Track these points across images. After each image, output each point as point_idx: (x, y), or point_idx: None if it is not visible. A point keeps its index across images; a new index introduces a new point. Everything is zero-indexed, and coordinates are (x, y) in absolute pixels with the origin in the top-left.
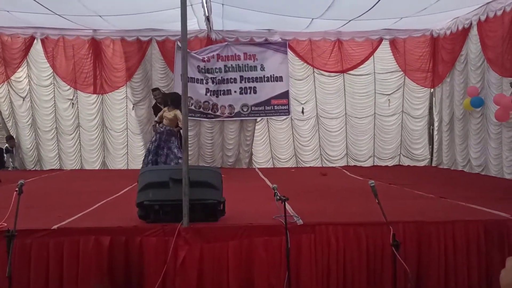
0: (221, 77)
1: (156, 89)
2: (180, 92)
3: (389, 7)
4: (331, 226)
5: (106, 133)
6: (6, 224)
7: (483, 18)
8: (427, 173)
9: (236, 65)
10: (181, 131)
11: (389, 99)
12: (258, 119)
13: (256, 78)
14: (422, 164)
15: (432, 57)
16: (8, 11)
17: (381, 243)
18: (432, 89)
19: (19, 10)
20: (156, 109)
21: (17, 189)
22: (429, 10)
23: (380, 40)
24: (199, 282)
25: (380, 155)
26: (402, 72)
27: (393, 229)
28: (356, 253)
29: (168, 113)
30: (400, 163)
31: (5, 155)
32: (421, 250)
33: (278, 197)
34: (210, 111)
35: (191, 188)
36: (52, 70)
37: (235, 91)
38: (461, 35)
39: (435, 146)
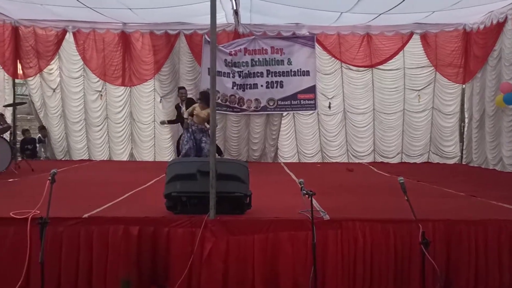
0: (248, 71)
1: (183, 87)
2: (207, 85)
3: (421, 1)
4: (358, 222)
5: (133, 125)
6: (39, 212)
7: None
8: (457, 171)
9: (263, 59)
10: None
11: (419, 95)
12: (284, 113)
13: (283, 72)
14: (452, 161)
15: (464, 52)
16: (40, 4)
17: (410, 241)
18: (463, 85)
19: (52, 3)
20: (177, 108)
21: (50, 178)
22: (463, 4)
23: (411, 35)
24: (224, 274)
25: (408, 152)
26: (433, 67)
27: (422, 227)
28: (384, 251)
29: (200, 111)
30: (429, 160)
31: (37, 145)
32: (450, 249)
33: (305, 192)
34: (236, 105)
35: (218, 180)
36: (82, 63)
37: (261, 85)
38: (495, 29)
39: (465, 144)
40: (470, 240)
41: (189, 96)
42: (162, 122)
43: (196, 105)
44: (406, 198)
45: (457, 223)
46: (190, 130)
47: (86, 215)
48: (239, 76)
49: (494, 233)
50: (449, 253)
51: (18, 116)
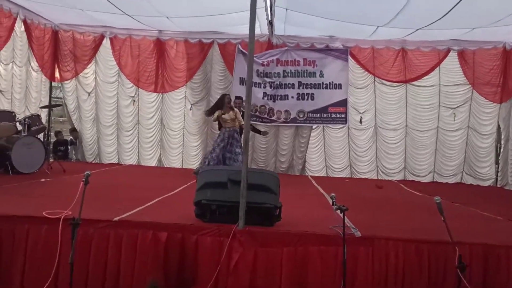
0: (279, 82)
1: (240, 97)
2: (238, 94)
3: (461, 17)
4: (391, 240)
5: (163, 132)
6: (71, 212)
7: None
8: (492, 193)
9: (295, 70)
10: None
11: (454, 113)
12: (314, 126)
13: (315, 84)
14: (486, 184)
15: (503, 71)
16: (82, 10)
17: (445, 264)
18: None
19: (92, 9)
20: None
21: (83, 179)
22: (504, 22)
23: (448, 51)
24: (251, 285)
25: (440, 171)
26: (469, 85)
27: (459, 250)
28: (417, 272)
29: (227, 115)
30: (462, 181)
31: (69, 147)
32: (487, 274)
33: (337, 207)
34: (266, 115)
35: (249, 190)
36: (117, 68)
37: (292, 97)
38: None
39: (500, 165)
40: (509, 266)
41: None
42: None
43: (217, 113)
44: (442, 218)
45: (496, 248)
46: (223, 135)
47: (116, 218)
48: (270, 86)
49: None
50: (485, 279)
51: (52, 118)
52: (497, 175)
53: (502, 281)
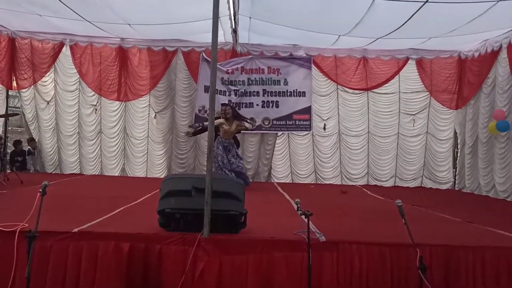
0: (244, 89)
1: (227, 104)
2: (203, 103)
3: (418, 27)
4: (354, 244)
5: (127, 140)
6: (27, 225)
7: None
8: (450, 196)
9: (259, 78)
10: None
11: (413, 119)
12: (279, 133)
13: (279, 92)
14: (445, 187)
15: (458, 79)
16: (40, 15)
17: (406, 266)
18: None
19: (51, 15)
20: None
21: (40, 190)
22: (459, 31)
23: (406, 60)
24: None
25: (402, 176)
26: (427, 93)
27: (420, 252)
28: (380, 274)
29: (229, 127)
30: (422, 185)
31: (27, 157)
32: (448, 275)
33: (301, 212)
34: None
35: (213, 198)
36: (78, 76)
37: (257, 104)
38: (490, 57)
39: (458, 169)
40: (468, 266)
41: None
42: (187, 134)
43: (220, 120)
44: (404, 221)
45: (456, 249)
46: (221, 146)
47: (75, 230)
48: (235, 94)
49: (493, 260)
50: (447, 279)
51: (9, 128)
52: (455, 179)
53: (462, 282)
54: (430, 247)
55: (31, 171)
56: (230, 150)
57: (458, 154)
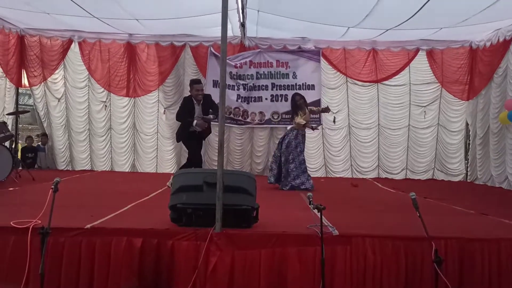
0: (253, 83)
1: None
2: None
3: (429, 17)
4: (368, 238)
5: (136, 136)
6: (40, 222)
7: None
8: (463, 188)
9: (268, 72)
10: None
11: (424, 111)
12: (288, 127)
13: (288, 85)
14: (457, 179)
15: (470, 70)
16: (48, 13)
17: (421, 259)
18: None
19: (59, 12)
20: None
21: (52, 186)
22: (470, 21)
23: (417, 51)
24: None
25: (413, 168)
26: (438, 84)
27: (435, 245)
28: (394, 268)
29: (303, 117)
30: (434, 177)
31: (38, 154)
32: (463, 268)
33: (314, 206)
34: (240, 118)
35: (225, 192)
36: (87, 73)
37: (266, 98)
38: (501, 47)
39: (469, 161)
40: (483, 258)
41: None
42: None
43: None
44: (418, 214)
45: (471, 241)
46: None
47: (88, 226)
48: (244, 88)
49: (508, 252)
50: (462, 272)
51: (20, 125)
52: (467, 170)
53: (478, 274)
54: (445, 240)
55: (42, 168)
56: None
57: (470, 146)
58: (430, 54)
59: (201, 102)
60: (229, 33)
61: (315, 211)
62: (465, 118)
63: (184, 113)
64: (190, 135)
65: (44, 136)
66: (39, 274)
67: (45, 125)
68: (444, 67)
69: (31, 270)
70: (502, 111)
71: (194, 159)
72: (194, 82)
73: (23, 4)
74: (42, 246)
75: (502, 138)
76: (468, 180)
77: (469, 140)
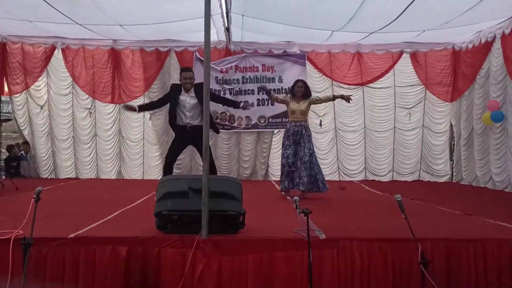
0: (239, 88)
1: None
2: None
3: (411, 20)
4: (355, 241)
5: (122, 143)
6: (22, 232)
7: (507, 31)
8: (449, 189)
9: (254, 76)
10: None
11: (409, 113)
12: (275, 131)
13: (274, 90)
14: (442, 180)
15: (453, 71)
16: (30, 21)
17: (408, 261)
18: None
19: (42, 20)
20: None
21: (34, 196)
22: (452, 23)
23: (401, 53)
24: None
25: (399, 170)
26: (423, 86)
27: (421, 247)
28: (382, 270)
29: (296, 104)
30: (420, 179)
31: (20, 162)
32: (450, 269)
33: (300, 210)
34: (227, 122)
35: (211, 198)
36: (71, 80)
37: (252, 103)
38: (483, 48)
39: (454, 162)
40: (469, 259)
41: None
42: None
43: (287, 97)
44: (404, 216)
45: (456, 242)
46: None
47: (72, 235)
48: (230, 93)
49: (494, 252)
50: (448, 273)
51: (3, 134)
52: (452, 171)
53: (464, 275)
54: (431, 241)
55: (25, 176)
56: (303, 134)
57: (455, 147)
58: (413, 56)
59: (189, 90)
60: (214, 37)
61: (302, 215)
62: (449, 119)
63: (163, 99)
64: (179, 130)
65: (26, 144)
66: (21, 286)
67: (25, 133)
68: (428, 69)
69: (14, 281)
70: (485, 112)
71: (167, 158)
72: (183, 70)
73: (3, 12)
74: (25, 257)
75: (486, 139)
76: (454, 181)
77: (454, 141)
